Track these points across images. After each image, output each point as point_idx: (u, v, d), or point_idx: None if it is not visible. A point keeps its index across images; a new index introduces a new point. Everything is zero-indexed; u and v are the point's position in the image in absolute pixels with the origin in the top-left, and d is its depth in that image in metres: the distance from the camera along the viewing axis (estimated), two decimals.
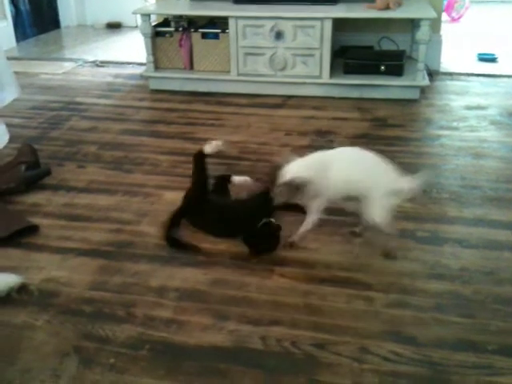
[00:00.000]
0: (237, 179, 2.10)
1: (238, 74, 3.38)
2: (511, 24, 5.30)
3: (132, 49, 4.53)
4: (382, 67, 3.27)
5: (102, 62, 4.22)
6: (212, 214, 1.95)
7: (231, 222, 1.93)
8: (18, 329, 1.54)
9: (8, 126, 2.85)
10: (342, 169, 1.80)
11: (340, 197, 1.83)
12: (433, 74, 3.58)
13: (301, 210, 1.95)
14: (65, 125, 3.01)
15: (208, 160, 2.13)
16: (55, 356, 1.44)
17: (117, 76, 3.90)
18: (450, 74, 3.73)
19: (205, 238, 1.94)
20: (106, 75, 3.93)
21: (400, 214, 2.03)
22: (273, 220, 1.86)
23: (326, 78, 3.28)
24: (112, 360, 1.42)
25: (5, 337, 1.51)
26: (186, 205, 2.00)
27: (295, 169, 1.78)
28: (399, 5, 3.27)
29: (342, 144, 2.65)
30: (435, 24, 3.45)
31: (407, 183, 1.75)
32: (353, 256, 1.84)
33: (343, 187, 1.80)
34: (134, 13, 3.47)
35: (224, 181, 2.09)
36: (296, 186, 1.75)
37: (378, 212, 1.77)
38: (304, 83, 3.32)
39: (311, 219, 1.85)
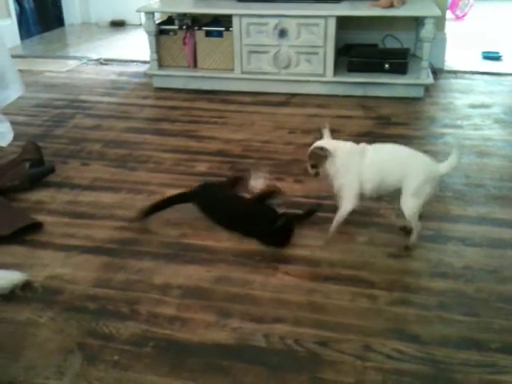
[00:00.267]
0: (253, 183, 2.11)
1: (242, 72, 3.38)
2: None
3: (136, 47, 4.53)
4: (386, 65, 3.26)
5: (106, 60, 4.22)
6: (236, 211, 1.97)
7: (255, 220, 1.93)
8: (22, 326, 1.54)
9: (12, 123, 2.86)
10: (379, 156, 1.84)
11: (373, 187, 1.83)
12: (437, 72, 3.58)
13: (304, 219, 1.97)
14: (69, 123, 3.02)
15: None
16: (59, 353, 1.44)
17: (121, 74, 3.90)
18: (455, 72, 3.72)
19: (208, 235, 1.94)
20: (109, 73, 3.93)
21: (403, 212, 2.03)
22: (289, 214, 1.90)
23: (329, 76, 3.28)
24: (116, 357, 1.43)
25: (9, 334, 1.52)
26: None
27: (325, 141, 1.88)
28: (403, 3, 3.26)
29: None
30: (439, 22, 3.44)
31: (444, 168, 1.80)
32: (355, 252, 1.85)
33: (378, 176, 1.81)
34: (138, 11, 3.47)
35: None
36: (319, 157, 1.83)
37: (411, 204, 1.79)
38: (308, 81, 3.32)
39: (343, 209, 1.86)
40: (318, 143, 1.88)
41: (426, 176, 1.78)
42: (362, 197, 1.86)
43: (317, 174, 1.90)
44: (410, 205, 1.79)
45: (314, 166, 1.88)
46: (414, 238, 1.84)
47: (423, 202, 1.80)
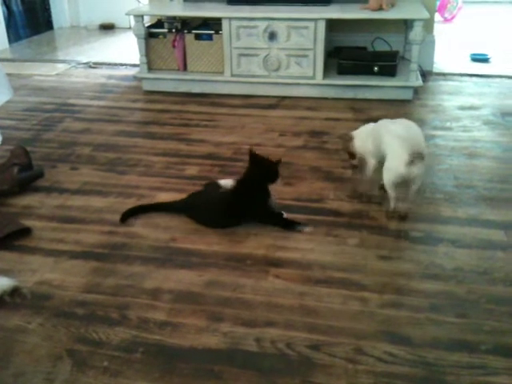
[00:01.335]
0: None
1: (232, 75, 3.38)
2: (504, 24, 5.33)
3: (125, 50, 4.51)
4: (376, 68, 3.27)
5: (95, 64, 4.20)
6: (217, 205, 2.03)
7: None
8: (11, 332, 1.53)
9: (1, 127, 2.84)
10: (379, 126, 2.11)
11: (373, 149, 2.09)
12: (426, 74, 3.59)
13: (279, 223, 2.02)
14: (58, 126, 3.00)
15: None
16: (48, 359, 1.43)
17: (110, 77, 3.89)
18: (443, 74, 3.74)
19: (199, 239, 1.93)
20: (99, 76, 3.92)
21: (393, 214, 2.04)
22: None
23: (319, 78, 3.28)
24: (105, 363, 1.41)
25: None
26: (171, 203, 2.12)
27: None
28: (392, 5, 3.28)
29: (336, 144, 2.66)
30: (428, 24, 3.46)
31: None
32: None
33: (374, 140, 2.08)
34: (128, 14, 3.46)
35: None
36: (348, 141, 2.20)
37: (385, 176, 1.99)
38: (298, 84, 3.32)
39: (368, 165, 2.14)
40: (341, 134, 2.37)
41: (400, 157, 1.91)
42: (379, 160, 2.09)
43: (355, 167, 2.24)
44: (384, 176, 2.00)
45: (351, 156, 2.21)
46: (391, 204, 2.03)
47: (408, 180, 1.95)
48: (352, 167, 2.26)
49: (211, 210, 2.03)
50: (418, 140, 1.97)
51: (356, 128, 2.24)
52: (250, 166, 2.02)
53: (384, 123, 2.11)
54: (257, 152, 2.03)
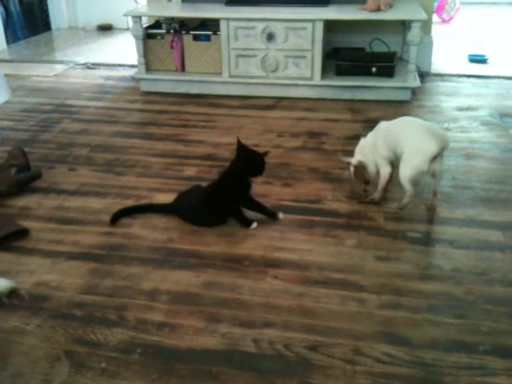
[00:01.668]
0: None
1: (230, 76, 3.38)
2: (501, 25, 5.34)
3: (123, 51, 4.52)
4: (374, 69, 3.28)
5: (93, 64, 4.20)
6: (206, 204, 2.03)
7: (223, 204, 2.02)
8: (9, 334, 1.52)
9: None
10: (387, 126, 2.10)
11: (387, 153, 2.06)
12: (424, 75, 3.60)
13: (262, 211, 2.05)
14: (56, 127, 3.00)
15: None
16: (46, 361, 1.43)
17: (108, 78, 3.89)
18: (441, 75, 3.74)
19: (196, 240, 1.93)
20: (97, 77, 3.92)
21: (391, 215, 2.04)
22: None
23: (317, 79, 3.28)
24: (103, 364, 1.41)
25: None
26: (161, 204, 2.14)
27: (353, 160, 2.13)
28: (390, 6, 3.28)
29: (334, 145, 2.66)
30: (426, 25, 3.47)
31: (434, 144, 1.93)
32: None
33: (387, 143, 2.05)
34: (126, 15, 3.47)
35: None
36: (362, 170, 2.11)
37: (404, 170, 1.98)
38: (296, 85, 3.33)
39: (383, 174, 2.09)
40: (352, 164, 2.12)
41: (417, 150, 1.94)
42: (392, 164, 2.09)
43: (367, 191, 2.17)
44: (404, 172, 1.99)
45: (366, 183, 2.16)
46: (405, 200, 2.04)
47: (425, 174, 1.99)
48: (364, 191, 2.18)
49: (194, 208, 2.04)
50: (444, 135, 1.99)
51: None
52: (235, 157, 1.99)
53: (392, 124, 2.09)
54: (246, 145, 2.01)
